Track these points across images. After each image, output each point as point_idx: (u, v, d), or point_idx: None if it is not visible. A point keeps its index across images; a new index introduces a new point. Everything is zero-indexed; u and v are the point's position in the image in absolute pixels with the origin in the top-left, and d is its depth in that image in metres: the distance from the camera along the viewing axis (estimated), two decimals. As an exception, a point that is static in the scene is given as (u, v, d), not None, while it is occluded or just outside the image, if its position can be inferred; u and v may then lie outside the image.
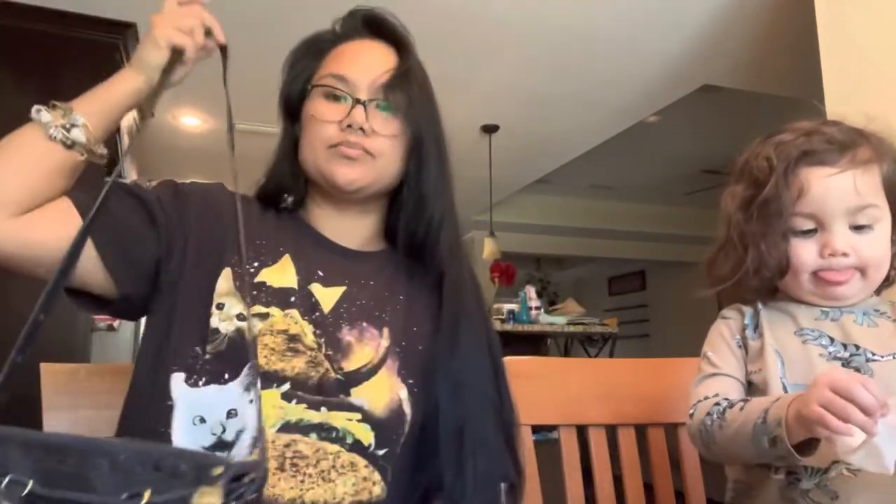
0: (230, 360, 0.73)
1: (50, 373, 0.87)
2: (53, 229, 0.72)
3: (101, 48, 2.46)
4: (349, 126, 0.82)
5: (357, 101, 0.83)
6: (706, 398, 0.85)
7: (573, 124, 3.91)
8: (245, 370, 0.72)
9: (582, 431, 1.05)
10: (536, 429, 1.04)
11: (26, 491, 0.53)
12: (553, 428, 1.04)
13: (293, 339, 0.76)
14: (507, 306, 3.78)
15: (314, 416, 0.73)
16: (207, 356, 0.73)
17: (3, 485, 0.53)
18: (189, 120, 3.88)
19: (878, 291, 0.89)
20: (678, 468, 1.07)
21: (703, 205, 5.08)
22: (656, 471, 1.06)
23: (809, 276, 0.84)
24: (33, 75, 2.41)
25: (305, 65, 0.90)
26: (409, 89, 0.86)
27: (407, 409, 0.78)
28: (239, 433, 0.71)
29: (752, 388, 0.86)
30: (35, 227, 0.71)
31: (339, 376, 0.76)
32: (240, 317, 0.74)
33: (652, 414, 1.07)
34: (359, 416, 0.75)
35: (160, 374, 0.74)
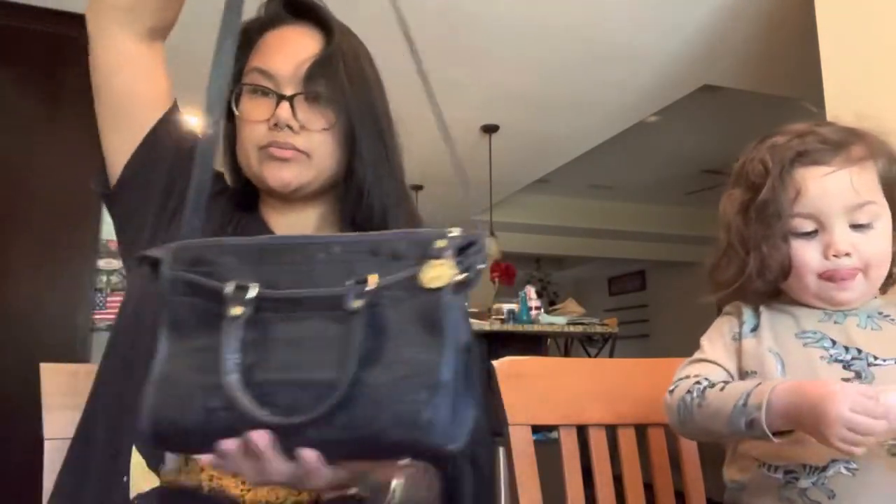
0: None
1: (50, 373, 0.87)
2: None
3: (101, 48, 2.46)
4: (276, 125, 0.78)
5: (281, 97, 0.79)
6: (688, 377, 0.86)
7: (573, 124, 3.91)
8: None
9: (582, 431, 1.04)
10: (536, 429, 1.04)
11: (254, 294, 0.52)
12: (553, 428, 1.04)
13: None
14: (507, 306, 3.77)
15: None
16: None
17: (231, 290, 0.52)
18: (193, 121, 3.88)
19: (883, 290, 0.89)
20: (678, 468, 1.07)
21: (703, 205, 5.08)
22: (656, 471, 1.06)
23: (815, 278, 0.84)
24: (33, 75, 2.41)
25: (237, 58, 0.85)
26: (335, 75, 0.80)
27: None
28: None
29: None
30: None
31: None
32: None
33: (652, 414, 1.07)
34: None
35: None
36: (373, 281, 0.51)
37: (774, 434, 0.74)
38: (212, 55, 0.62)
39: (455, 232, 0.53)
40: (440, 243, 0.52)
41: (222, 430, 0.50)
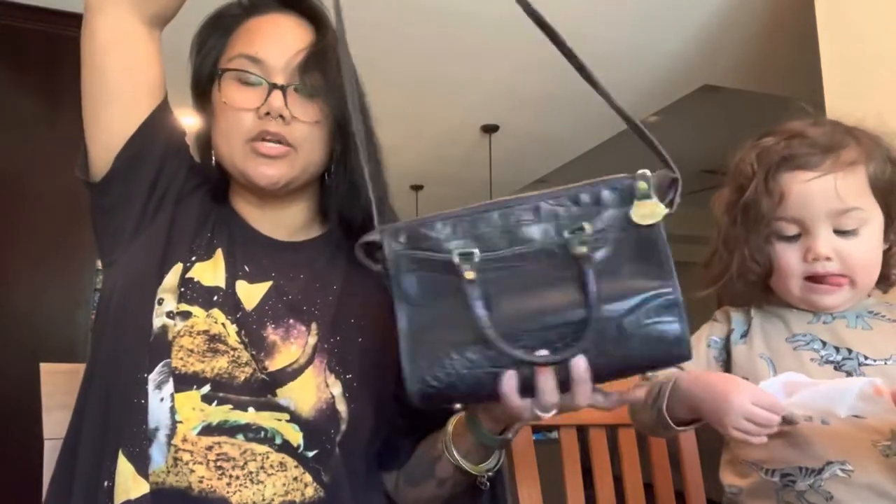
0: (150, 353, 0.70)
1: (50, 373, 0.87)
2: None
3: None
4: (267, 114, 0.76)
5: (274, 86, 0.76)
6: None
7: (573, 124, 3.91)
8: (158, 367, 0.70)
9: (582, 431, 1.05)
10: (536, 429, 1.04)
11: (477, 258, 0.57)
12: (553, 428, 1.04)
13: (214, 339, 0.72)
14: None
15: (241, 417, 0.70)
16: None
17: (458, 258, 0.57)
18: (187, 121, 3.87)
19: (884, 291, 0.88)
20: (678, 468, 1.07)
21: (703, 205, 5.06)
22: (656, 471, 1.06)
23: (800, 282, 0.83)
24: (33, 75, 2.41)
25: (213, 44, 0.82)
26: (327, 69, 0.78)
27: (341, 407, 0.74)
28: (154, 430, 0.69)
29: None
30: None
31: (263, 376, 0.72)
32: (169, 314, 0.72)
33: (652, 414, 1.07)
34: (287, 416, 0.72)
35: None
36: (588, 228, 0.57)
37: (678, 424, 0.78)
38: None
39: (649, 173, 0.59)
40: (643, 185, 0.58)
41: (485, 377, 0.56)
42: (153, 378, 0.69)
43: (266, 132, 0.76)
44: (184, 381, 0.70)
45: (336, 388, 0.75)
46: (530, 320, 0.56)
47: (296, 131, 0.77)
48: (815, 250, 0.81)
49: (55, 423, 0.84)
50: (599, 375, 0.57)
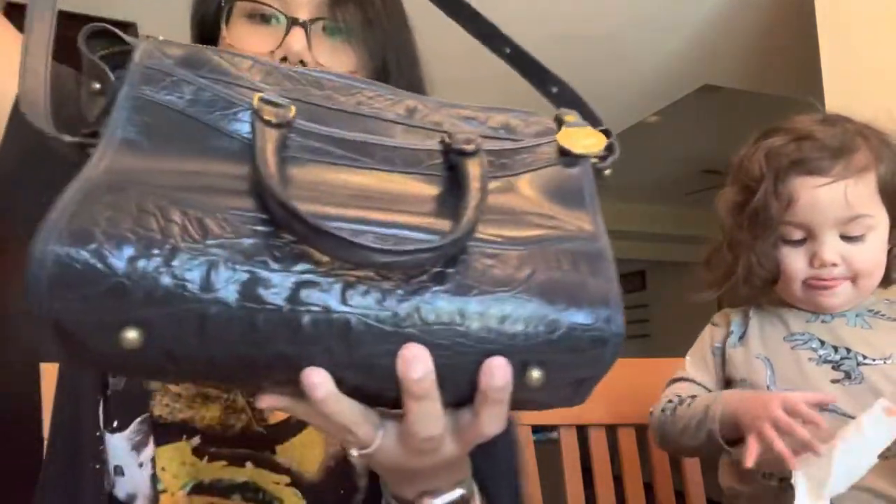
0: (121, 404, 0.58)
1: (50, 373, 0.87)
2: None
3: (101, 48, 2.46)
4: (284, 59, 0.58)
5: (294, 22, 0.58)
6: (669, 400, 0.88)
7: (573, 124, 3.91)
8: (134, 424, 0.58)
9: (582, 431, 1.04)
10: (536, 429, 1.04)
11: (292, 116, 0.37)
12: (553, 428, 1.04)
13: None
14: (508, 306, 3.77)
15: (238, 474, 0.58)
16: (109, 392, 0.59)
17: (259, 100, 0.37)
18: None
19: (884, 286, 0.88)
20: (678, 468, 1.07)
21: (703, 205, 5.06)
22: (656, 471, 1.06)
23: (801, 285, 0.83)
24: (33, 75, 2.41)
25: None
26: (367, 2, 0.61)
27: (358, 461, 0.59)
28: (131, 497, 0.57)
29: None
30: None
31: (261, 429, 0.59)
32: None
33: (652, 414, 1.07)
34: (287, 479, 0.58)
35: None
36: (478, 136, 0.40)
37: (728, 444, 0.77)
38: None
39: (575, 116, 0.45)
40: (570, 117, 0.46)
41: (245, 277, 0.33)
42: (127, 437, 0.57)
43: None
44: (171, 432, 0.58)
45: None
46: (359, 218, 0.35)
47: None
48: (822, 257, 0.80)
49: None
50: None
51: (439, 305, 0.34)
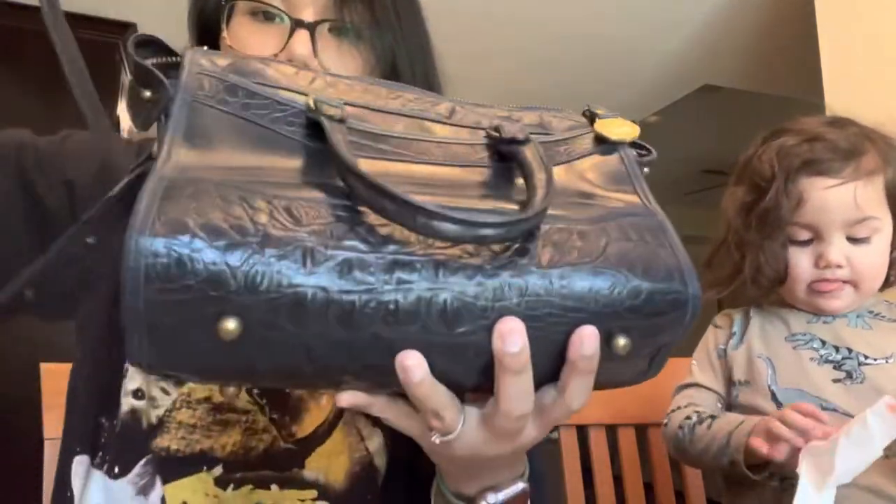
0: (121, 448, 0.55)
1: (50, 373, 0.87)
2: None
3: (101, 48, 2.45)
4: (288, 62, 0.53)
5: (298, 24, 0.55)
6: (679, 408, 0.88)
7: (573, 124, 3.91)
8: (138, 467, 0.54)
9: (582, 431, 1.04)
10: (536, 429, 1.04)
11: (345, 114, 0.37)
12: (553, 428, 1.04)
13: (220, 408, 0.56)
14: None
15: (265, 497, 0.55)
16: (104, 438, 0.55)
17: (315, 101, 0.37)
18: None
19: (882, 288, 0.88)
20: (678, 468, 1.07)
21: (703, 205, 5.07)
22: (656, 471, 1.06)
23: (805, 286, 0.84)
24: (33, 75, 2.41)
25: None
26: (377, 1, 0.57)
27: (380, 461, 0.58)
28: None
29: (742, 395, 0.87)
30: None
31: (289, 445, 0.57)
32: (137, 393, 0.55)
33: (652, 414, 1.07)
34: (314, 493, 0.56)
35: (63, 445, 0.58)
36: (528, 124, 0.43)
37: (751, 469, 0.77)
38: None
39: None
40: (600, 110, 0.48)
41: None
42: (131, 481, 0.54)
43: None
44: (190, 463, 0.55)
45: (374, 441, 0.58)
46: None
47: None
48: (828, 258, 0.81)
49: (55, 423, 0.84)
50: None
51: (529, 279, 0.35)
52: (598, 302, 0.35)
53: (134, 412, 0.55)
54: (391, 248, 0.33)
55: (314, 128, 0.37)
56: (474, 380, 0.36)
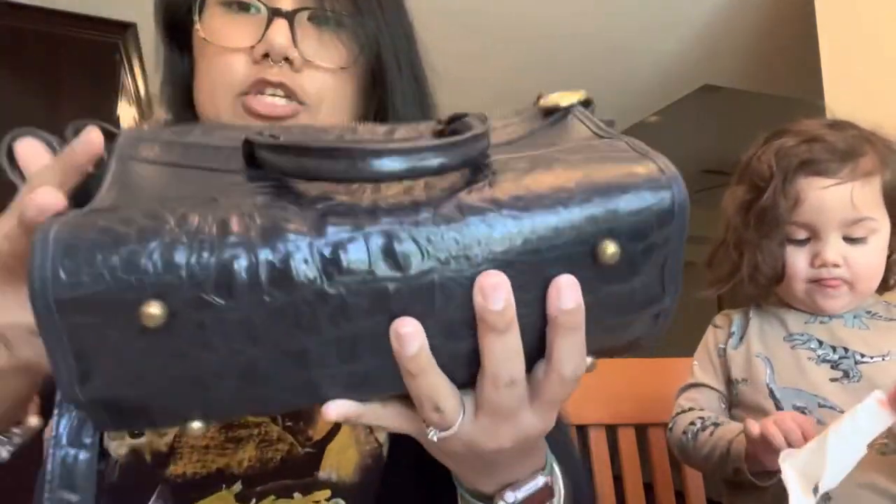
0: (125, 496, 0.52)
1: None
2: None
3: (100, 48, 2.46)
4: (266, 56, 0.51)
5: (276, 12, 0.52)
6: (683, 411, 0.89)
7: (573, 124, 3.91)
8: (151, 502, 0.52)
9: (582, 431, 1.04)
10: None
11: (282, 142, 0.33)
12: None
13: (231, 425, 0.54)
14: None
15: None
16: (115, 478, 0.53)
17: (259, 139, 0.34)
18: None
19: (880, 291, 0.89)
20: (678, 468, 1.07)
21: (703, 205, 5.05)
22: (656, 471, 1.06)
23: (802, 285, 0.84)
24: (33, 75, 2.41)
25: None
26: None
27: (386, 451, 0.57)
28: None
29: (742, 394, 0.87)
30: None
31: (308, 449, 0.55)
32: (134, 432, 0.53)
33: (652, 414, 1.07)
34: (328, 493, 0.54)
35: None
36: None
37: (757, 476, 0.78)
38: None
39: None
40: (542, 95, 0.44)
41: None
42: None
43: (264, 82, 0.52)
44: (209, 484, 0.53)
45: (383, 431, 0.56)
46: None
47: (309, 81, 0.53)
48: (824, 257, 0.81)
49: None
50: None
51: (488, 216, 0.30)
52: (572, 222, 0.31)
53: (135, 451, 0.53)
54: (320, 205, 0.30)
55: (250, 159, 0.34)
56: (462, 344, 0.32)
